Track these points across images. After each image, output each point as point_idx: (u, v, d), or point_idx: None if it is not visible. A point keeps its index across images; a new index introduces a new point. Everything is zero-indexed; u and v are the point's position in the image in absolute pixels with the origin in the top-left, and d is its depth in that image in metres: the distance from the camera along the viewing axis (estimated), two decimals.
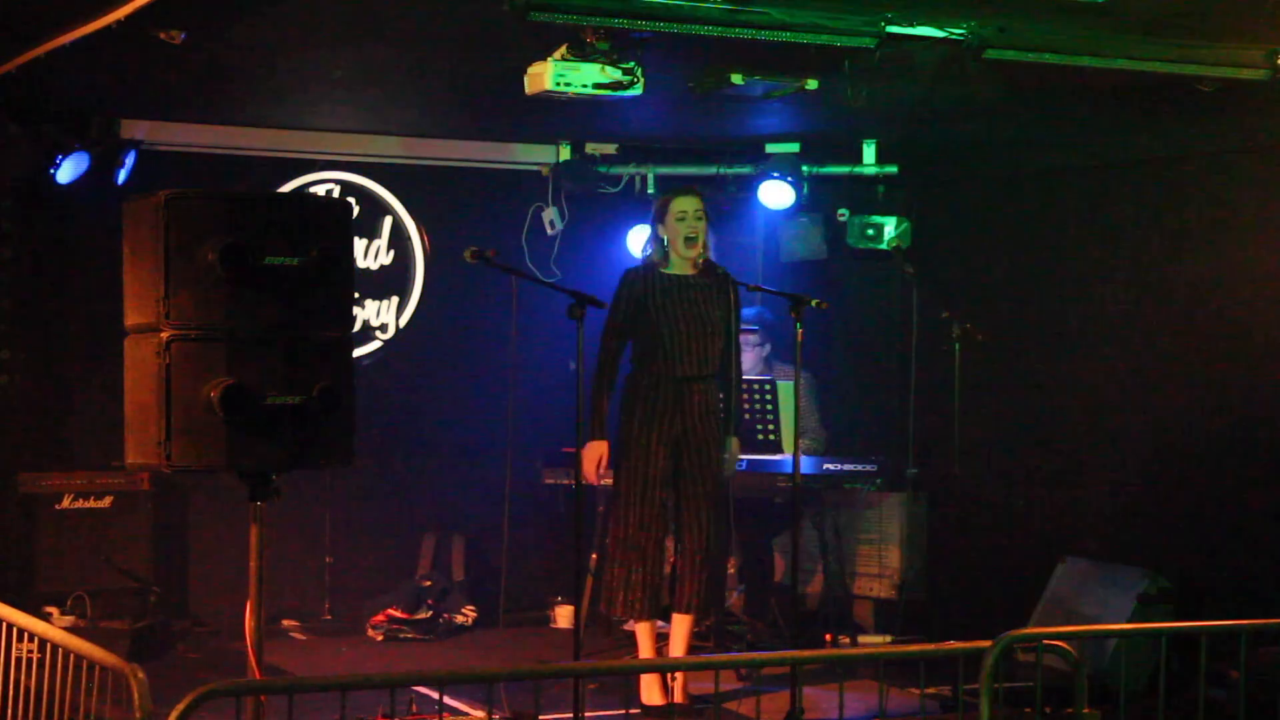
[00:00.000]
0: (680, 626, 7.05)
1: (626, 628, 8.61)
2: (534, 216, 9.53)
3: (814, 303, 6.74)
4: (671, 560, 7.19)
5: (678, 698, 6.89)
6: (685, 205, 6.95)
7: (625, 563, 6.91)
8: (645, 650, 7.05)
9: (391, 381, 9.42)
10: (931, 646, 5.32)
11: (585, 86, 6.10)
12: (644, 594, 6.87)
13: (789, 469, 7.32)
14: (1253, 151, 7.75)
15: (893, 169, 9.14)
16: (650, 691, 6.91)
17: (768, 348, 8.85)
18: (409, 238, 9.50)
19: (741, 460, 7.90)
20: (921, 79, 6.98)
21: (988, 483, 8.76)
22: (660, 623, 7.14)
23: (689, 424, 6.91)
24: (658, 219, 7.02)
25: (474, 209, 9.56)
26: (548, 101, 6.32)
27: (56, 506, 8.35)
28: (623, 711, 6.40)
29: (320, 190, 9.24)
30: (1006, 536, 8.81)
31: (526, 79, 6.23)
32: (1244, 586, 7.46)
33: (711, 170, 9.29)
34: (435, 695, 5.04)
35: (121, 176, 8.37)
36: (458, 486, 9.49)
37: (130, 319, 4.80)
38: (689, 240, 6.92)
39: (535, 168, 9.53)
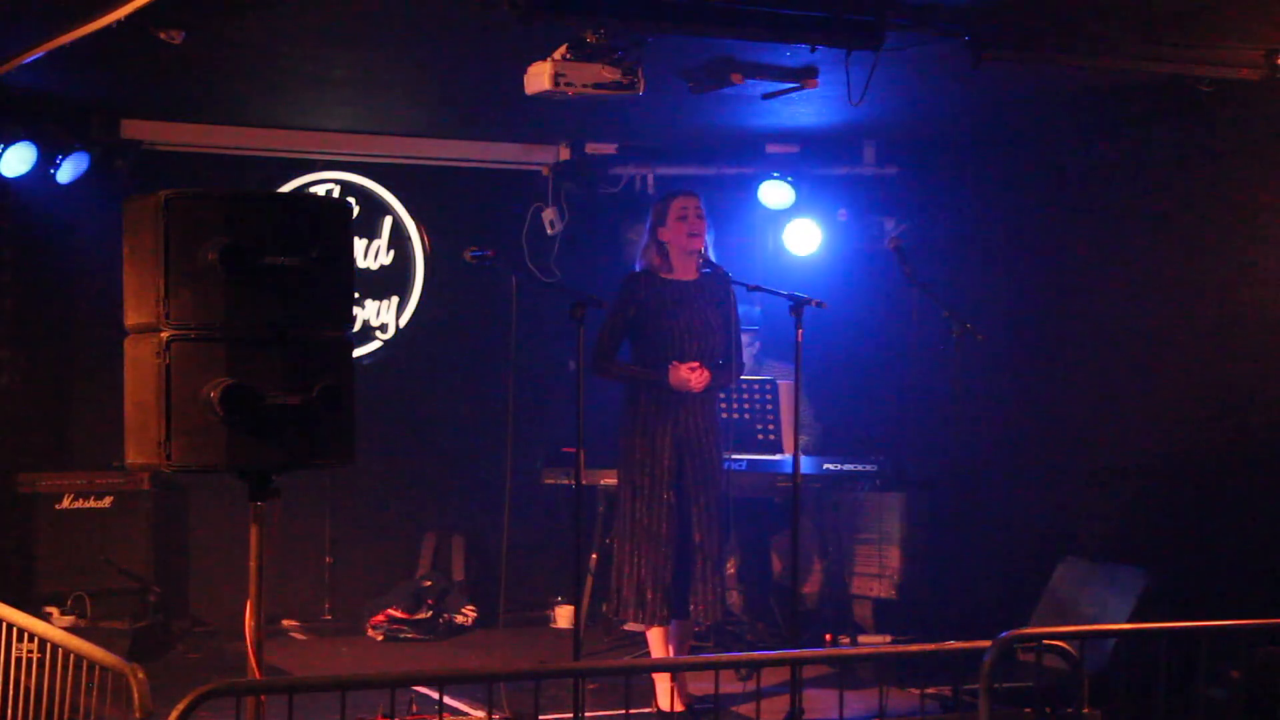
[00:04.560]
0: (683, 630, 7.02)
1: (627, 628, 8.61)
2: (534, 216, 9.53)
3: (814, 303, 6.73)
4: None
5: (677, 706, 6.88)
6: (686, 203, 6.92)
7: (639, 566, 6.85)
8: (658, 654, 6.95)
9: (391, 381, 9.42)
10: (931, 646, 5.31)
11: (585, 86, 6.10)
12: (655, 597, 6.82)
13: (789, 469, 7.32)
14: (1253, 151, 7.75)
15: (893, 169, 9.14)
16: (666, 697, 6.87)
17: (757, 345, 8.84)
18: (409, 238, 9.50)
19: (741, 460, 7.91)
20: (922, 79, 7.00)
21: (988, 483, 8.75)
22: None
23: (691, 427, 6.88)
24: (658, 221, 6.98)
25: (474, 209, 9.57)
26: (548, 101, 6.32)
27: (56, 506, 8.35)
28: (623, 711, 6.39)
29: (320, 190, 9.25)
30: (1006, 536, 8.80)
31: (526, 79, 6.23)
32: (1244, 586, 7.46)
33: (711, 170, 9.30)
34: (435, 695, 5.04)
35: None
36: (458, 486, 9.50)
37: (130, 319, 4.80)
38: (692, 238, 6.89)
39: (535, 168, 9.53)
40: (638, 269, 7.05)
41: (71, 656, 4.64)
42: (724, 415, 7.51)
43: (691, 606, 6.88)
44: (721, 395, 7.41)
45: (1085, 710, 5.02)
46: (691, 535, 6.87)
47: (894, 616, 8.79)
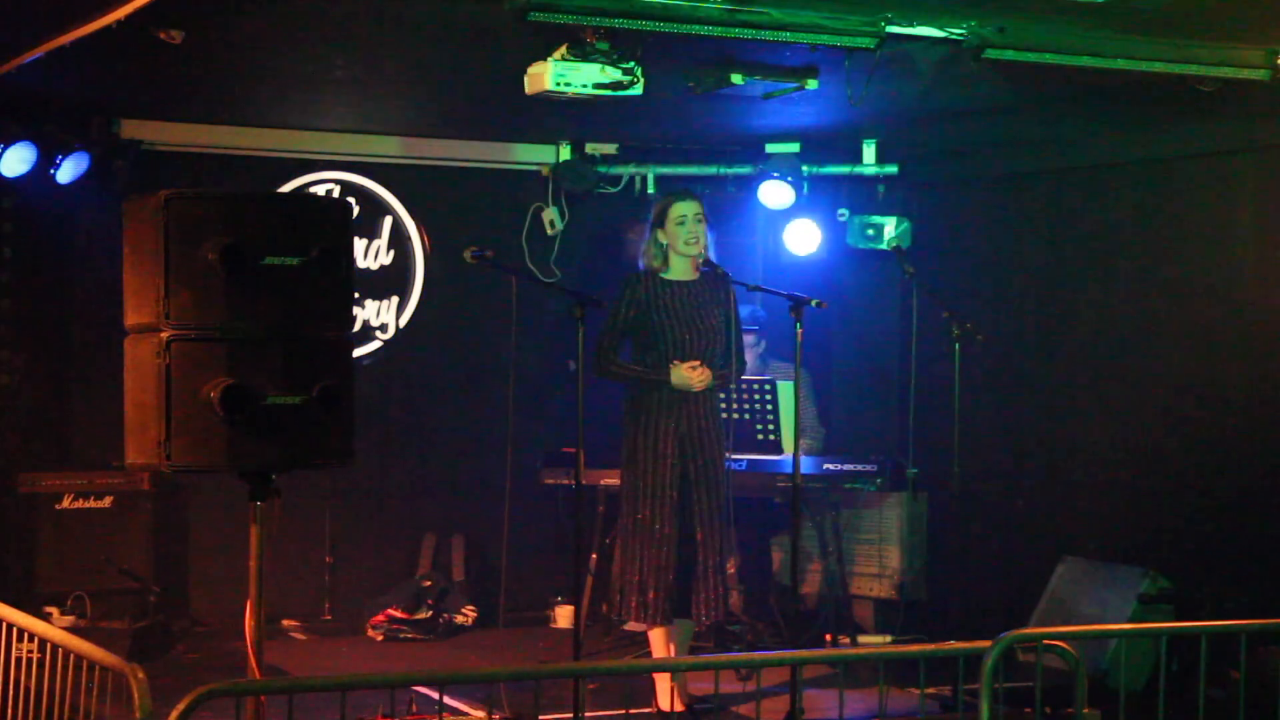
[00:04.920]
0: (684, 630, 7.02)
1: (628, 628, 8.61)
2: (534, 216, 9.53)
3: (814, 303, 6.73)
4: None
5: (677, 706, 6.87)
6: (685, 209, 6.92)
7: (641, 566, 6.84)
8: (660, 655, 6.95)
9: (391, 381, 9.42)
10: (931, 646, 5.32)
11: (585, 86, 6.10)
12: (658, 597, 6.82)
13: (789, 469, 7.32)
14: (1253, 151, 7.75)
15: (893, 169, 9.14)
16: (666, 696, 6.87)
17: (763, 345, 8.85)
18: (409, 238, 9.49)
19: (741, 460, 7.91)
20: (921, 79, 6.98)
21: (988, 483, 8.75)
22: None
23: (694, 427, 6.88)
24: (657, 223, 6.99)
25: (474, 209, 9.56)
26: (548, 101, 6.32)
27: (56, 506, 8.35)
28: (623, 711, 6.38)
29: (320, 190, 9.24)
30: (1006, 536, 8.80)
31: (526, 79, 6.23)
32: (1244, 586, 7.46)
33: (711, 170, 9.29)
34: (435, 695, 5.04)
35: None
36: (458, 486, 9.49)
37: (130, 319, 4.80)
38: (689, 243, 6.90)
39: (535, 168, 9.53)
40: (640, 269, 7.06)
41: (71, 656, 4.64)
42: (723, 415, 7.50)
43: (694, 606, 6.87)
44: (721, 395, 7.40)
45: (1085, 710, 5.02)
46: (694, 534, 6.87)
47: (894, 616, 8.79)
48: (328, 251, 4.79)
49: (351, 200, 9.04)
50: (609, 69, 6.10)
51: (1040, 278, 8.89)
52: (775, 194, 9.07)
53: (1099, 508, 8.46)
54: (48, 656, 4.82)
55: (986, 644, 4.90)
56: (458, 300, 9.52)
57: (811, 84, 6.92)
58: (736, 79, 6.88)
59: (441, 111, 8.75)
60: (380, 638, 8.75)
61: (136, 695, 4.10)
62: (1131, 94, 7.20)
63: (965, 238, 9.27)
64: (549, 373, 9.09)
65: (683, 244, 6.91)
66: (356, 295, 9.00)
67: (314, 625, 9.10)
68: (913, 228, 9.09)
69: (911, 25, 6.09)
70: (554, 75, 6.07)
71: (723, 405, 7.30)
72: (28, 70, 6.95)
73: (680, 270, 6.97)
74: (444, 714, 4.84)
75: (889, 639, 8.63)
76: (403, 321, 9.51)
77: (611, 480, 8.13)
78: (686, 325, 6.90)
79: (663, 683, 6.89)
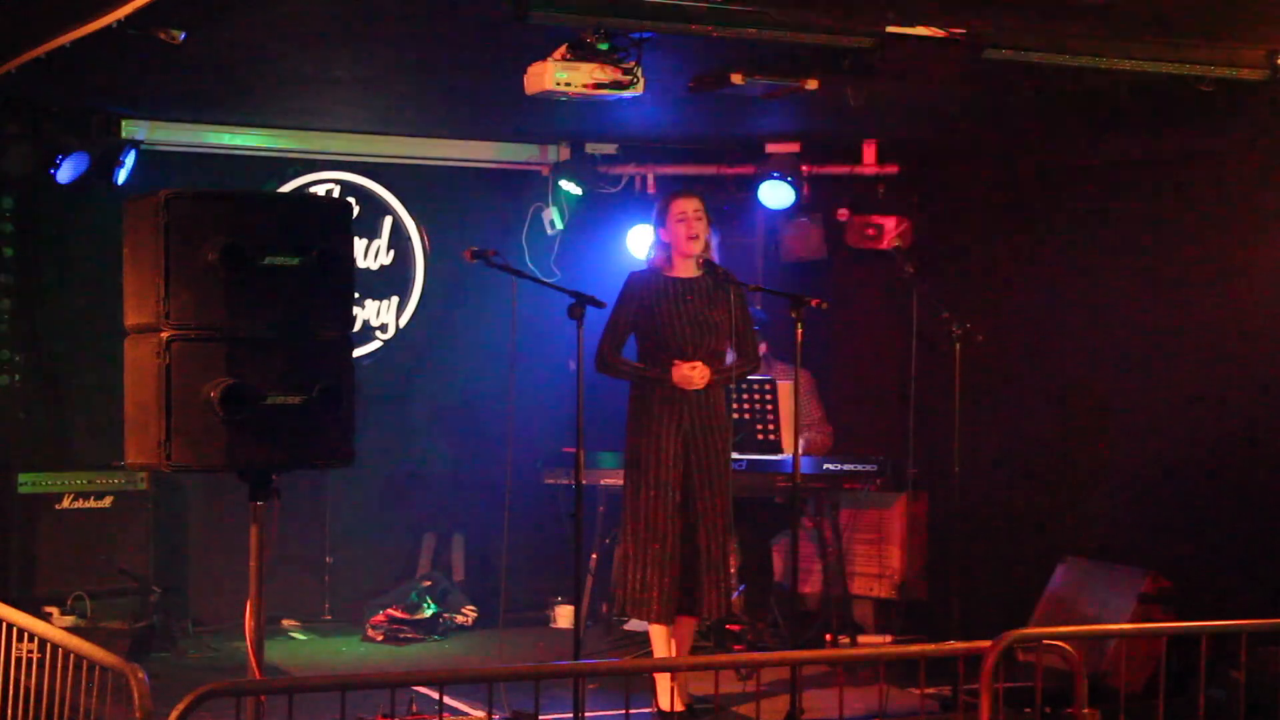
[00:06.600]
0: (686, 628, 7.02)
1: (628, 628, 8.61)
2: (534, 216, 9.53)
3: (814, 303, 6.73)
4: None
5: (677, 706, 6.87)
6: (685, 206, 6.93)
7: (643, 564, 6.84)
8: (661, 654, 6.96)
9: (391, 381, 9.42)
10: (931, 646, 5.31)
11: (585, 86, 6.10)
12: (660, 594, 6.82)
13: (789, 469, 7.32)
14: (1253, 151, 7.75)
15: (893, 169, 9.13)
16: (666, 696, 6.87)
17: (764, 346, 8.84)
18: (409, 238, 9.50)
19: (741, 460, 7.91)
20: (921, 79, 6.99)
21: (988, 483, 8.74)
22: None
23: (697, 424, 6.88)
24: (659, 222, 7.00)
25: (474, 209, 9.57)
26: (548, 101, 6.33)
27: (56, 506, 8.35)
28: (623, 711, 6.38)
29: (320, 190, 9.25)
30: (1006, 536, 8.80)
31: (526, 79, 6.23)
32: (1244, 586, 7.46)
33: (711, 170, 9.29)
34: (435, 695, 5.04)
35: (122, 176, 8.37)
36: (458, 486, 9.49)
37: (130, 319, 4.81)
38: (691, 240, 6.91)
39: (535, 168, 9.53)
40: (643, 267, 7.08)
41: (71, 656, 4.64)
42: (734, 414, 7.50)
43: (702, 602, 6.86)
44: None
45: (1085, 710, 5.02)
46: (697, 532, 6.87)
47: (894, 616, 8.79)
48: (328, 251, 4.79)
49: (351, 200, 9.04)
50: (609, 69, 6.10)
51: (1040, 278, 8.89)
52: (775, 194, 9.07)
53: (1099, 508, 8.46)
54: (48, 656, 4.82)
55: (986, 644, 4.90)
56: (458, 300, 9.52)
57: (811, 84, 6.92)
58: (736, 79, 6.88)
59: (441, 111, 8.75)
60: (380, 638, 8.75)
61: (136, 695, 4.10)
62: (1131, 94, 7.21)
63: (965, 238, 9.26)
64: (549, 373, 9.09)
65: (686, 241, 6.91)
66: (356, 295, 9.00)
67: (314, 625, 9.11)
68: (913, 228, 9.08)
69: (911, 25, 6.09)
70: (554, 75, 6.07)
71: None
72: (28, 70, 6.95)
73: (683, 268, 6.98)
74: (444, 714, 4.84)
75: (889, 639, 8.63)
76: (403, 321, 9.51)
77: (611, 480, 8.13)
78: (689, 322, 6.90)
79: (663, 682, 6.89)
